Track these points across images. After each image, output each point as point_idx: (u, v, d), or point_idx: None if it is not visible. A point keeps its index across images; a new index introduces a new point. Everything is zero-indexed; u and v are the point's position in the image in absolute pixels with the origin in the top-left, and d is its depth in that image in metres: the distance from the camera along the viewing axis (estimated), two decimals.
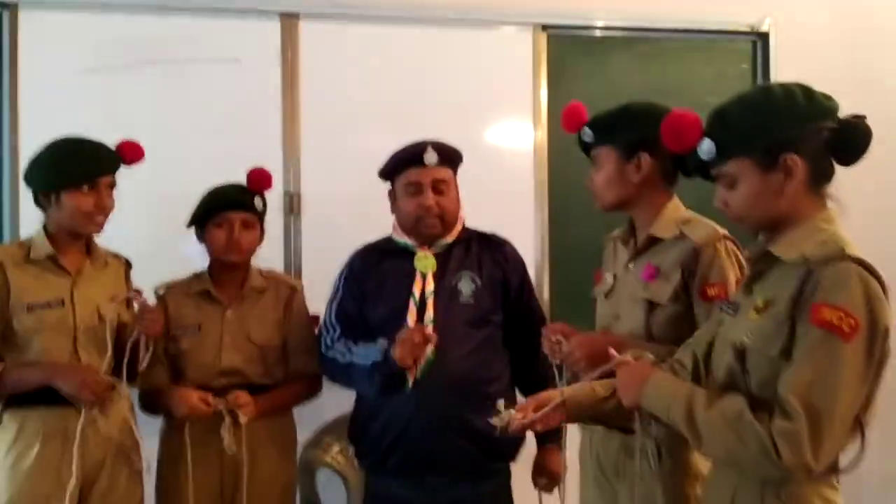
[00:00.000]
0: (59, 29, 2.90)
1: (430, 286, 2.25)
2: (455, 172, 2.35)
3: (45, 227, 2.20)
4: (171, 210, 2.82)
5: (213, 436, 2.23)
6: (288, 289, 2.46)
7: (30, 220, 2.61)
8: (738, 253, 1.85)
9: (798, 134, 1.44)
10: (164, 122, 2.89)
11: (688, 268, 1.83)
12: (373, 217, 2.97)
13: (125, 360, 2.20)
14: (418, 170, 2.25)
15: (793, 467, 1.32)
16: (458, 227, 2.34)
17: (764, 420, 1.34)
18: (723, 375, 1.51)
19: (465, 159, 2.39)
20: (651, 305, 1.86)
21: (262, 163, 2.64)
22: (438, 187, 2.26)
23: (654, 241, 1.92)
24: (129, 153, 2.23)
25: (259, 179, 2.40)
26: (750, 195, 1.48)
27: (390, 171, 2.32)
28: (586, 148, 2.03)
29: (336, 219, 3.05)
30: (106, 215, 2.20)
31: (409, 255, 2.29)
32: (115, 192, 2.23)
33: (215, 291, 2.37)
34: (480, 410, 2.07)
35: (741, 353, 1.45)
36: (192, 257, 2.77)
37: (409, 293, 2.24)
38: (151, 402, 2.35)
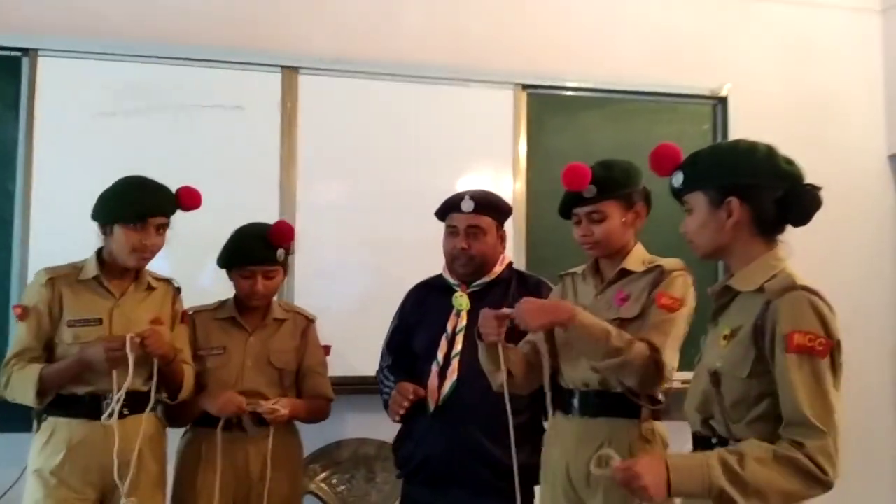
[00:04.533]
0: (76, 74, 3.08)
1: (463, 322, 2.46)
2: (499, 220, 2.56)
3: (99, 252, 2.38)
4: (168, 247, 3.05)
5: (228, 450, 2.41)
6: (305, 320, 2.67)
7: (39, 257, 2.83)
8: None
9: (746, 183, 1.66)
10: (170, 163, 3.00)
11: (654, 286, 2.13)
12: (360, 256, 3.24)
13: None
14: (456, 215, 2.50)
15: (833, 479, 1.48)
16: (499, 269, 2.56)
17: (792, 450, 1.49)
18: (697, 398, 1.70)
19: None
20: (622, 324, 2.10)
21: (260, 204, 2.84)
22: (472, 232, 2.49)
23: (624, 274, 2.19)
24: (187, 199, 2.40)
25: (281, 235, 2.54)
26: (698, 225, 1.71)
27: (440, 215, 2.57)
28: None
29: (326, 259, 3.25)
30: (151, 253, 2.36)
31: (451, 292, 2.49)
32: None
33: (241, 319, 2.56)
34: (498, 437, 2.29)
35: (716, 377, 1.64)
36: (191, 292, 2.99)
37: (445, 328, 2.47)
38: (175, 413, 2.50)
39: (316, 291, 3.17)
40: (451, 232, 2.52)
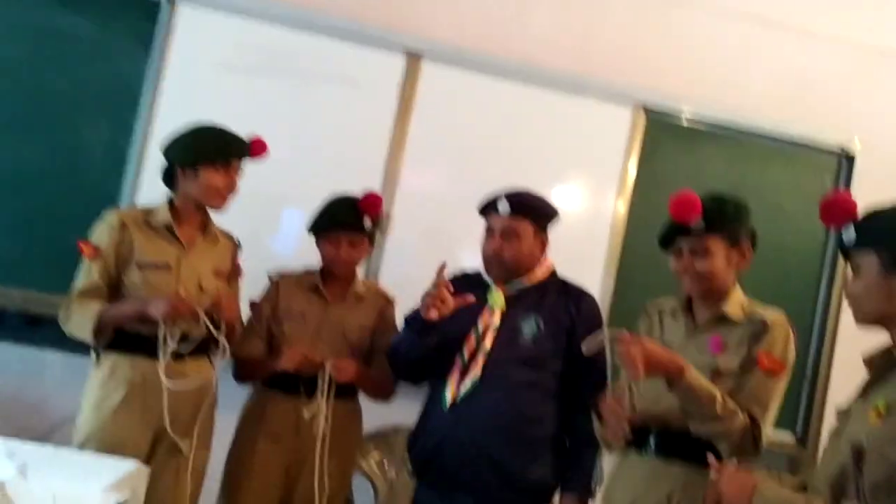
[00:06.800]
0: (210, 26, 3.17)
1: (496, 322, 2.38)
2: (538, 224, 2.46)
3: (169, 200, 2.44)
4: (268, 205, 3.13)
5: (291, 415, 2.46)
6: (384, 300, 2.69)
7: (147, 195, 2.97)
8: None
9: None
10: (282, 126, 3.12)
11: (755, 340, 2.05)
12: (451, 249, 3.23)
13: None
14: (493, 216, 2.44)
15: None
16: (540, 274, 2.47)
17: None
18: (833, 471, 1.53)
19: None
20: (717, 373, 2.04)
21: (362, 181, 2.86)
22: (507, 235, 2.41)
23: (720, 319, 2.11)
24: (257, 148, 2.48)
25: (370, 203, 2.58)
26: (865, 288, 1.55)
27: (482, 211, 2.50)
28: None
29: (415, 245, 3.26)
30: (232, 194, 2.44)
31: (487, 288, 2.44)
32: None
33: (323, 288, 2.59)
34: (514, 447, 2.30)
35: (859, 454, 1.46)
36: (278, 252, 3.08)
37: (476, 324, 2.40)
38: (246, 371, 2.57)
39: (400, 276, 3.18)
40: (488, 234, 2.44)
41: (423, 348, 2.35)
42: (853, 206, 1.62)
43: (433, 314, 2.27)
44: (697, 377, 1.93)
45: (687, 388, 1.91)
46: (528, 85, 3.33)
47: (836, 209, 1.63)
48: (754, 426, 1.96)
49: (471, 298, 2.32)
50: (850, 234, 1.59)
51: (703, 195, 2.12)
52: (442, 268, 2.30)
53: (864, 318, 1.59)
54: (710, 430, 1.95)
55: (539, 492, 2.38)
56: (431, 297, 2.27)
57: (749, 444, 1.95)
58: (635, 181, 3.39)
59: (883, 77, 3.67)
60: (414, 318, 2.34)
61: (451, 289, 2.29)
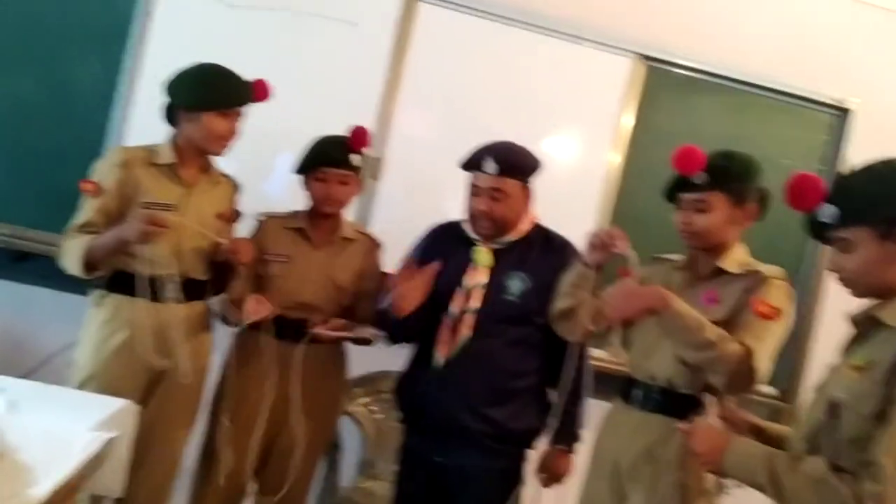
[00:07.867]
0: None
1: (483, 279, 2.37)
2: (525, 182, 2.41)
3: (173, 139, 2.39)
4: (258, 146, 3.06)
5: (277, 354, 2.44)
6: (371, 243, 2.68)
7: (136, 133, 2.92)
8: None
9: None
10: (276, 64, 2.99)
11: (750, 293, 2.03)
12: (443, 196, 3.21)
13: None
14: (478, 175, 2.38)
15: None
16: (525, 227, 2.44)
17: (847, 482, 1.40)
18: (811, 426, 1.56)
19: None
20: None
21: (356, 122, 2.83)
22: (495, 196, 2.35)
23: (719, 273, 2.10)
24: (261, 92, 2.42)
25: (359, 138, 2.54)
26: (864, 262, 1.51)
27: (465, 167, 2.45)
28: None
29: (410, 191, 3.24)
30: (233, 141, 2.40)
31: (471, 244, 2.42)
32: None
33: (310, 231, 2.56)
34: (501, 401, 2.34)
35: (835, 409, 1.48)
36: (270, 195, 3.02)
37: (461, 281, 2.39)
38: (230, 313, 2.53)
39: (391, 222, 3.15)
40: (473, 192, 2.39)
41: (409, 329, 2.41)
42: (821, 184, 1.58)
43: (406, 308, 2.32)
44: (683, 305, 1.92)
45: (674, 315, 1.91)
46: (525, 30, 3.27)
47: (807, 192, 1.58)
48: (748, 356, 1.92)
49: (435, 267, 2.36)
50: (829, 212, 1.54)
51: (713, 151, 2.09)
52: (409, 261, 2.38)
53: (867, 292, 1.56)
54: (702, 358, 1.94)
55: (525, 438, 2.44)
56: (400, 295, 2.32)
57: (745, 375, 1.92)
58: (632, 132, 3.35)
59: (882, 34, 3.61)
60: (386, 314, 2.37)
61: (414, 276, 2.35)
